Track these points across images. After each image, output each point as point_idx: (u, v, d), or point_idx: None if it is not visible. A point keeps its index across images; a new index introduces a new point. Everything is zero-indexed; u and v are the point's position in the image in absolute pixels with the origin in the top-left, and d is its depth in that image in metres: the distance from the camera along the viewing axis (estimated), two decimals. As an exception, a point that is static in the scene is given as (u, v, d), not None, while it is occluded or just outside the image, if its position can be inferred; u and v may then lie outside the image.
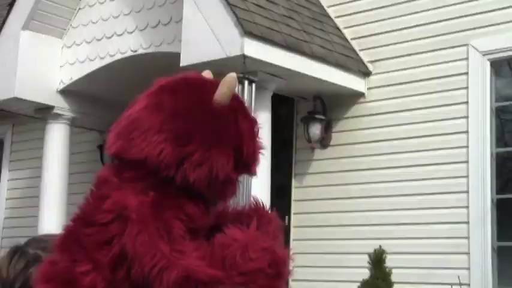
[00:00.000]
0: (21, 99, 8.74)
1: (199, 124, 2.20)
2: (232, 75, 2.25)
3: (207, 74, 2.30)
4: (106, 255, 2.15)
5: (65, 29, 8.98)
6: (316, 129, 8.01)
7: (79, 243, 2.19)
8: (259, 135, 2.35)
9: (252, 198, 2.47)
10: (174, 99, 2.23)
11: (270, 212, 2.46)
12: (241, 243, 2.25)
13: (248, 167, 2.34)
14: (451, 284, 6.59)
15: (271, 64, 7.07)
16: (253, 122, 2.32)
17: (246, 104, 2.28)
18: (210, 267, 2.18)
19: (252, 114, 2.54)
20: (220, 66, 7.01)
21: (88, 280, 2.14)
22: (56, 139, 9.00)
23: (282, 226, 2.51)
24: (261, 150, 2.36)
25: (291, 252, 2.41)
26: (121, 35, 8.30)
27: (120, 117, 2.21)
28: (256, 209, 2.42)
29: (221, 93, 2.24)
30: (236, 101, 2.29)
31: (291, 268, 2.44)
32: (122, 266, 2.15)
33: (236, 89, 2.28)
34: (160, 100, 2.25)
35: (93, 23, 8.67)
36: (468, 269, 6.93)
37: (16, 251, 2.56)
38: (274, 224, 2.42)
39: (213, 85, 2.28)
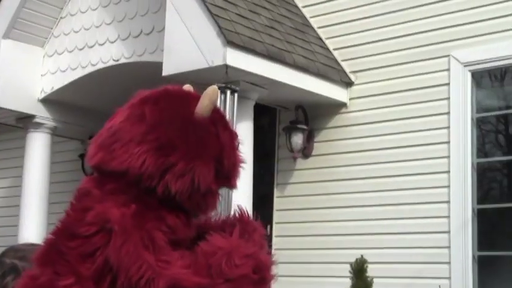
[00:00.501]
0: (2, 108, 8.70)
1: (181, 135, 2.20)
2: (214, 88, 2.27)
3: (188, 87, 2.31)
4: (89, 268, 2.14)
5: (46, 38, 8.94)
6: (298, 139, 8.02)
7: (61, 256, 2.17)
8: (240, 148, 2.36)
9: (236, 207, 2.49)
10: (157, 110, 2.23)
11: (254, 220, 2.47)
12: (226, 250, 2.26)
13: (228, 179, 2.35)
14: (432, 294, 6.61)
15: (253, 74, 7.08)
16: (233, 135, 2.33)
17: (227, 117, 2.29)
18: (195, 275, 2.18)
19: (233, 126, 2.56)
20: (203, 76, 7.02)
21: None
22: (37, 148, 8.96)
23: (266, 234, 2.53)
24: (242, 164, 2.38)
25: (274, 258, 2.43)
26: (103, 44, 8.28)
27: (101, 129, 2.21)
28: (241, 217, 2.43)
29: (203, 106, 2.25)
30: (217, 113, 2.31)
31: (274, 273, 2.46)
32: (105, 278, 2.14)
33: (217, 100, 2.29)
34: (142, 111, 2.25)
35: (75, 32, 8.64)
36: (449, 278, 6.95)
37: None
38: (259, 233, 2.44)
39: (194, 97, 2.28)
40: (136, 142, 2.13)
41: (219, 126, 2.23)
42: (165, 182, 2.13)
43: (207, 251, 2.25)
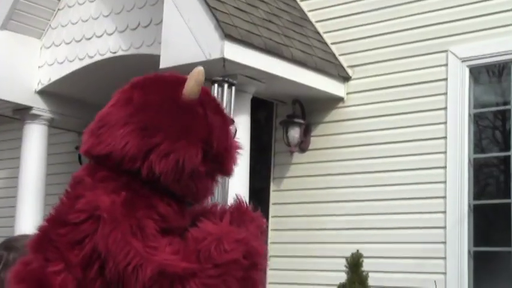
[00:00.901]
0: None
1: (167, 116, 2.20)
2: (199, 69, 2.27)
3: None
4: (77, 255, 2.15)
5: (43, 30, 8.93)
6: (295, 133, 8.02)
7: (51, 243, 2.18)
8: (236, 135, 2.36)
9: (236, 197, 2.50)
10: (143, 93, 2.25)
11: (253, 211, 2.48)
12: (215, 235, 2.26)
13: (221, 164, 2.34)
14: (428, 289, 6.62)
15: (250, 67, 7.07)
16: (226, 119, 2.33)
17: (220, 102, 2.28)
18: (184, 261, 2.19)
19: (228, 114, 2.57)
20: (200, 69, 7.01)
21: (59, 279, 2.14)
22: (34, 140, 8.95)
23: (264, 226, 2.53)
24: (238, 150, 2.37)
25: (268, 248, 2.43)
26: (100, 36, 8.27)
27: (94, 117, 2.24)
28: (239, 207, 2.44)
29: (188, 87, 2.25)
30: (206, 96, 2.31)
31: (268, 261, 2.46)
32: (93, 265, 2.15)
33: (203, 81, 2.29)
34: (130, 95, 2.27)
35: (73, 24, 8.63)
36: (444, 273, 6.96)
37: None
38: (256, 223, 2.45)
39: (183, 81, 2.28)
40: (121, 124, 2.14)
41: (207, 109, 2.22)
42: (149, 163, 2.12)
43: (197, 237, 2.25)
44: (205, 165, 2.23)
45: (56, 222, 2.21)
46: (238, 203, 2.46)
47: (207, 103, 2.26)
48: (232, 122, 2.35)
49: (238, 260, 2.27)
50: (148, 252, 2.15)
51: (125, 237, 2.15)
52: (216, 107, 2.28)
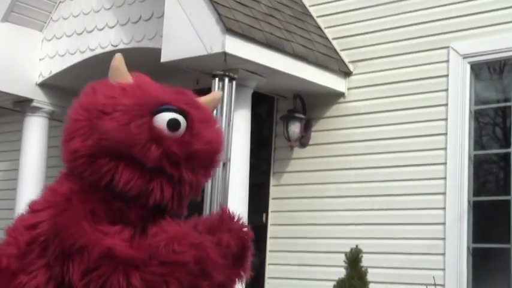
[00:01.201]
0: (0, 91, 8.69)
1: (73, 123, 2.53)
2: (115, 55, 2.54)
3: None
4: (26, 240, 2.29)
5: (45, 22, 8.92)
6: (295, 128, 8.02)
7: (13, 229, 2.39)
8: (137, 130, 2.48)
9: (220, 206, 2.56)
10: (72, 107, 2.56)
11: (240, 223, 2.52)
12: (169, 235, 2.30)
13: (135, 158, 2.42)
14: (426, 285, 6.62)
15: (251, 62, 7.07)
16: (128, 118, 2.46)
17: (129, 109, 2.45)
18: (131, 249, 2.23)
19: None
20: (201, 63, 7.02)
21: (6, 262, 2.26)
22: (35, 132, 8.95)
23: (247, 235, 2.54)
24: (137, 142, 2.43)
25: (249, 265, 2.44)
26: (102, 29, 8.26)
27: None
28: (222, 215, 2.50)
29: (111, 71, 2.53)
30: (107, 99, 2.51)
31: (246, 277, 2.46)
32: (36, 247, 2.26)
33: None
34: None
35: (74, 16, 8.62)
36: (443, 269, 6.97)
37: None
38: (233, 234, 2.48)
39: (95, 88, 2.54)
40: (68, 140, 2.56)
41: (104, 112, 2.45)
42: (79, 169, 2.47)
43: (154, 233, 2.30)
44: (120, 162, 2.43)
45: (26, 211, 2.41)
46: (222, 212, 2.50)
47: (106, 107, 2.51)
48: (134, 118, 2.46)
49: (186, 264, 2.26)
50: (97, 236, 2.21)
51: (75, 218, 2.23)
52: (113, 110, 2.49)
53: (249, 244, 2.54)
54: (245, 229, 2.54)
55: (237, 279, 2.55)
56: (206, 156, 2.52)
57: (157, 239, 2.29)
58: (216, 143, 2.55)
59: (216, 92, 2.67)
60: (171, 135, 2.41)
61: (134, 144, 2.37)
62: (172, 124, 2.42)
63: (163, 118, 2.42)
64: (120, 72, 2.55)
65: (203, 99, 2.66)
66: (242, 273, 2.56)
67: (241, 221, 2.55)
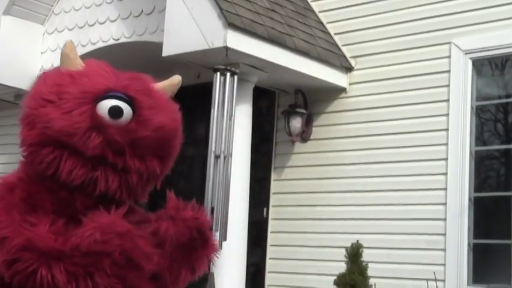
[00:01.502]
0: (1, 84, 8.70)
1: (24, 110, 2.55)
2: (68, 41, 2.56)
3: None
4: None
5: (46, 16, 8.91)
6: (296, 123, 8.01)
7: None
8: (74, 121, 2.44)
9: (168, 195, 2.51)
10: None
11: (190, 213, 2.48)
12: (96, 224, 2.26)
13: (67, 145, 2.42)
14: (427, 280, 6.63)
15: (253, 56, 7.06)
16: (63, 107, 2.45)
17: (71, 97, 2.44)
18: (56, 241, 2.20)
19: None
20: (203, 57, 7.01)
21: None
22: (36, 126, 8.94)
23: (200, 222, 2.49)
24: (73, 132, 2.41)
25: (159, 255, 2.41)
26: (103, 23, 8.25)
27: None
28: (166, 205, 2.48)
29: (61, 59, 2.54)
30: (51, 87, 2.50)
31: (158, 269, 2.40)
32: None
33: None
34: None
35: (76, 10, 8.61)
36: (444, 265, 6.97)
37: None
38: (178, 224, 2.44)
39: (45, 76, 2.54)
40: None
41: (49, 100, 2.45)
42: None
43: (84, 223, 2.27)
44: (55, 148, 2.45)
45: None
46: (168, 200, 2.47)
47: (50, 94, 2.50)
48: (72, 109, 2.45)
49: (110, 254, 2.21)
50: (22, 226, 2.20)
51: (6, 207, 2.23)
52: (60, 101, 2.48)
53: (197, 235, 2.46)
54: (197, 218, 2.49)
55: (189, 271, 2.48)
56: (155, 144, 2.44)
57: (83, 230, 2.26)
58: (166, 129, 2.47)
59: (174, 77, 2.58)
60: (113, 123, 2.38)
61: (75, 132, 2.34)
62: (114, 111, 2.38)
63: (105, 105, 2.38)
64: (70, 60, 2.52)
65: (160, 85, 2.58)
66: (194, 264, 2.49)
67: (195, 211, 2.49)
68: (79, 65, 2.53)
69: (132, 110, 2.42)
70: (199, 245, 2.48)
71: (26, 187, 2.36)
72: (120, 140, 2.37)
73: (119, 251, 2.22)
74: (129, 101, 2.42)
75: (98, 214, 2.31)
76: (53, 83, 2.46)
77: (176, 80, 2.65)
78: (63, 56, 2.55)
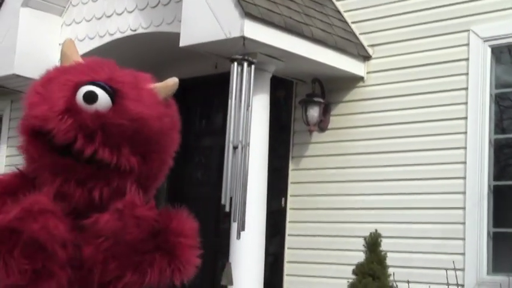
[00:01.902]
0: (20, 76, 8.73)
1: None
2: (67, 39, 2.61)
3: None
4: None
5: (64, 7, 8.94)
6: (314, 112, 8.00)
7: None
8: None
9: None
10: None
11: (142, 210, 2.43)
12: (24, 203, 2.33)
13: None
14: (446, 269, 6.61)
15: (270, 46, 7.05)
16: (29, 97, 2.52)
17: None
18: None
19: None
20: (220, 47, 7.00)
21: None
22: (54, 117, 8.98)
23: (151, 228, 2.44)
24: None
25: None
26: (121, 14, 8.27)
27: None
28: (123, 199, 2.42)
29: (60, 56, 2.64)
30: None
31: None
32: None
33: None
34: None
35: (93, 1, 8.63)
36: (463, 254, 6.94)
37: None
38: (126, 219, 2.41)
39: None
40: None
41: (37, 91, 2.51)
42: None
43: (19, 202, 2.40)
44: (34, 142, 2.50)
45: None
46: (127, 195, 2.44)
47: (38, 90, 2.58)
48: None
49: (21, 232, 2.22)
50: None
51: None
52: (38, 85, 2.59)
53: (149, 237, 2.34)
54: (156, 221, 2.38)
55: (136, 275, 2.34)
56: (132, 135, 2.40)
57: (12, 207, 2.30)
58: (145, 122, 2.42)
59: (170, 79, 2.56)
60: (87, 108, 2.38)
61: (51, 116, 2.37)
62: (88, 96, 2.39)
63: (81, 90, 2.40)
64: (67, 57, 2.62)
65: (156, 85, 2.57)
66: (146, 269, 2.35)
67: (153, 212, 2.39)
68: (76, 61, 2.58)
69: (114, 100, 2.42)
70: (156, 250, 2.38)
71: (9, 176, 2.49)
72: (90, 124, 2.36)
73: (29, 230, 2.21)
74: (111, 91, 2.42)
75: (34, 193, 2.36)
76: (45, 77, 2.52)
77: (171, 81, 2.61)
78: (61, 54, 2.64)
